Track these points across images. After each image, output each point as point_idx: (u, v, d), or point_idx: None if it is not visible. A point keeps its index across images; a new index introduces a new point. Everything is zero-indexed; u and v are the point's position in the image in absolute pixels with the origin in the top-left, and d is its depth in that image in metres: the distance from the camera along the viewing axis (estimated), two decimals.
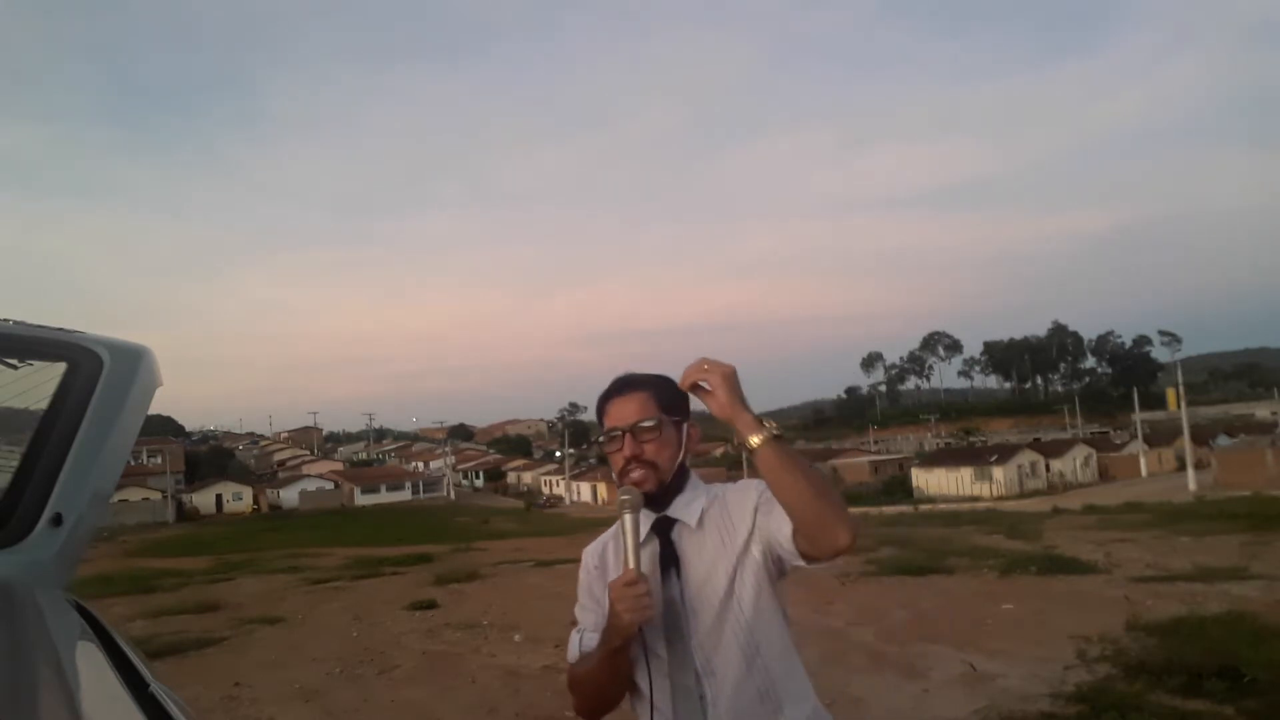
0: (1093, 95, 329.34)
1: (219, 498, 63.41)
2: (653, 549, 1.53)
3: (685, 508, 1.54)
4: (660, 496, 1.53)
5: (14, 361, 1.57)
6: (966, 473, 50.58)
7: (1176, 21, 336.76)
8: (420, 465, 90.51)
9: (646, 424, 1.51)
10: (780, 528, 1.41)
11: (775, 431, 1.36)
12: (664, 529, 1.54)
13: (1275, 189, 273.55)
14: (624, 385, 1.57)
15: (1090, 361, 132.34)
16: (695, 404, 1.55)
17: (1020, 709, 4.86)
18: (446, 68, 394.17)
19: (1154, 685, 5.04)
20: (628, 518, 1.46)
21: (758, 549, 1.48)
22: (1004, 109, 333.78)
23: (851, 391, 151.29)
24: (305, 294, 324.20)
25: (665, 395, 1.54)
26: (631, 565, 1.43)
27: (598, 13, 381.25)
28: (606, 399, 1.59)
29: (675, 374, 1.53)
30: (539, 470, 79.57)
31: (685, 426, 1.57)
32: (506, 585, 12.20)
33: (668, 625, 1.48)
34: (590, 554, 1.68)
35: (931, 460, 58.06)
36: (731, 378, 1.41)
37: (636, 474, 1.50)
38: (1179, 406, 41.80)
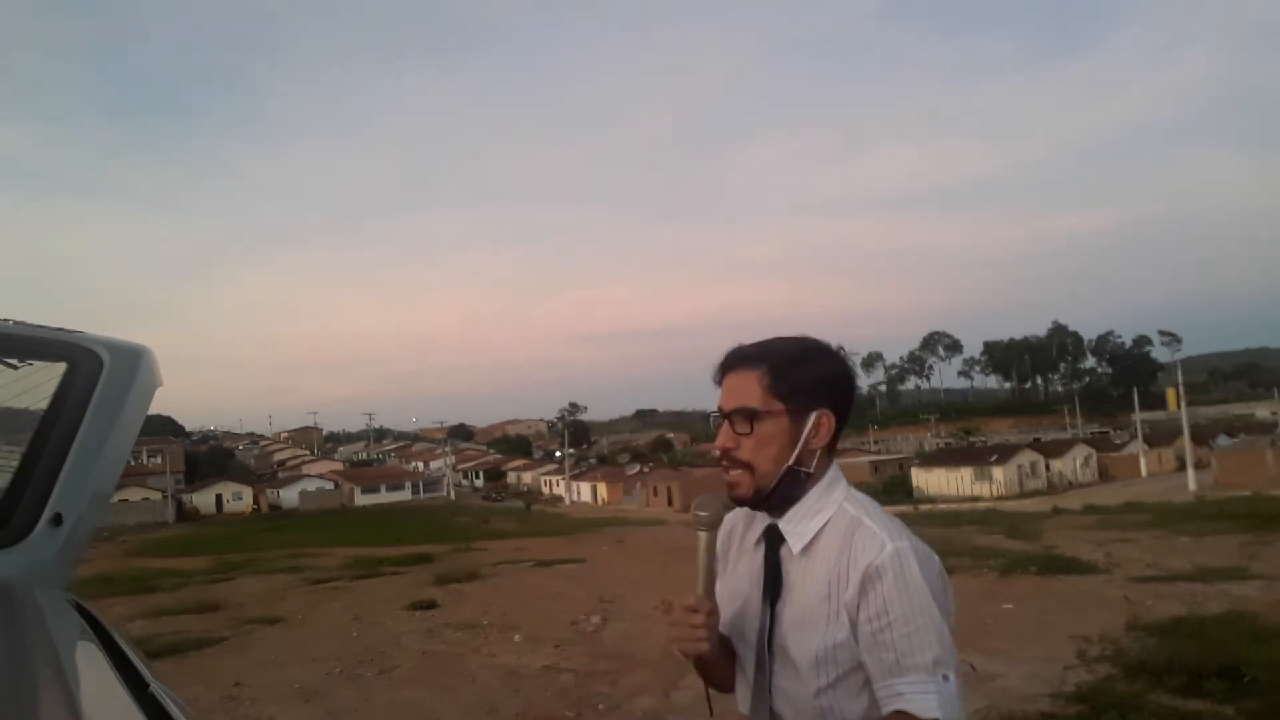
0: (1093, 95, 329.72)
1: (219, 498, 63.42)
2: (759, 558, 1.27)
3: (797, 523, 1.23)
4: (767, 501, 1.23)
5: (14, 361, 1.57)
6: (966, 473, 50.56)
7: (1176, 21, 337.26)
8: (420, 465, 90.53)
9: (743, 412, 1.20)
10: (878, 686, 1.13)
11: None
12: (774, 539, 1.26)
13: (1275, 189, 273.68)
14: (735, 359, 1.25)
15: (1090, 361, 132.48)
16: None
17: (1020, 709, 4.86)
18: (447, 68, 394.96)
19: (1154, 685, 5.04)
20: (702, 537, 1.23)
21: (854, 650, 1.17)
22: (1004, 109, 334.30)
23: None
24: (305, 294, 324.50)
25: (783, 375, 1.20)
26: (700, 590, 1.22)
27: (598, 13, 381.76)
28: (721, 372, 1.27)
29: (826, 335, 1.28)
30: (539, 470, 79.58)
31: (813, 416, 1.21)
32: (506, 585, 12.19)
33: (758, 647, 1.25)
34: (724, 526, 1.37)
35: (931, 460, 58.09)
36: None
37: (731, 473, 1.23)
38: (1179, 406, 41.81)
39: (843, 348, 1.30)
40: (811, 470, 1.22)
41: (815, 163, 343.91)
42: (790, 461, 1.20)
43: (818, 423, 1.21)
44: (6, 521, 1.41)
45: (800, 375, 1.21)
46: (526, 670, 6.57)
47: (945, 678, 1.09)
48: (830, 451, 1.25)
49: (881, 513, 1.23)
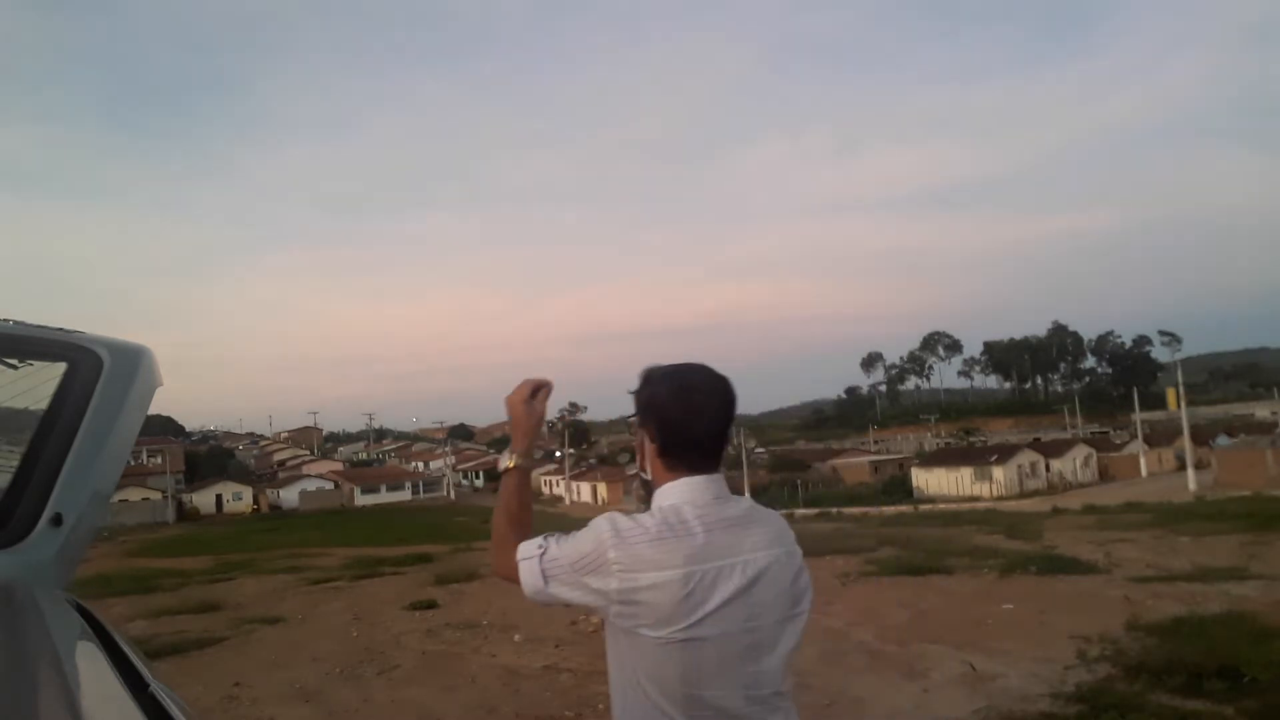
0: (1092, 95, 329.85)
1: (219, 498, 63.42)
2: None
3: None
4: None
5: (14, 361, 1.57)
6: (966, 473, 50.52)
7: (1176, 21, 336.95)
8: (420, 465, 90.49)
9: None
10: None
11: (508, 464, 1.60)
12: None
13: (1275, 189, 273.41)
14: None
15: (1090, 361, 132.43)
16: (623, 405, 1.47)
17: (1020, 709, 4.86)
18: (446, 69, 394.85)
19: (1154, 685, 5.04)
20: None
21: None
22: (1004, 109, 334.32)
23: (851, 391, 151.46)
24: (305, 294, 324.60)
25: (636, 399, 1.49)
26: None
27: (596, 14, 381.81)
28: None
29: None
30: (539, 470, 79.50)
31: (641, 434, 1.48)
32: (506, 585, 12.17)
33: None
34: None
35: (931, 460, 57.97)
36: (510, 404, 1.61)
37: None
38: (1179, 406, 41.79)
39: (682, 377, 1.45)
40: (649, 478, 1.46)
41: (815, 163, 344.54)
42: (639, 467, 1.50)
43: (639, 440, 1.48)
44: (6, 521, 1.41)
45: (636, 401, 1.48)
46: (526, 670, 6.57)
47: (542, 546, 1.39)
48: (668, 467, 1.42)
49: (654, 515, 1.37)
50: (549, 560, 1.37)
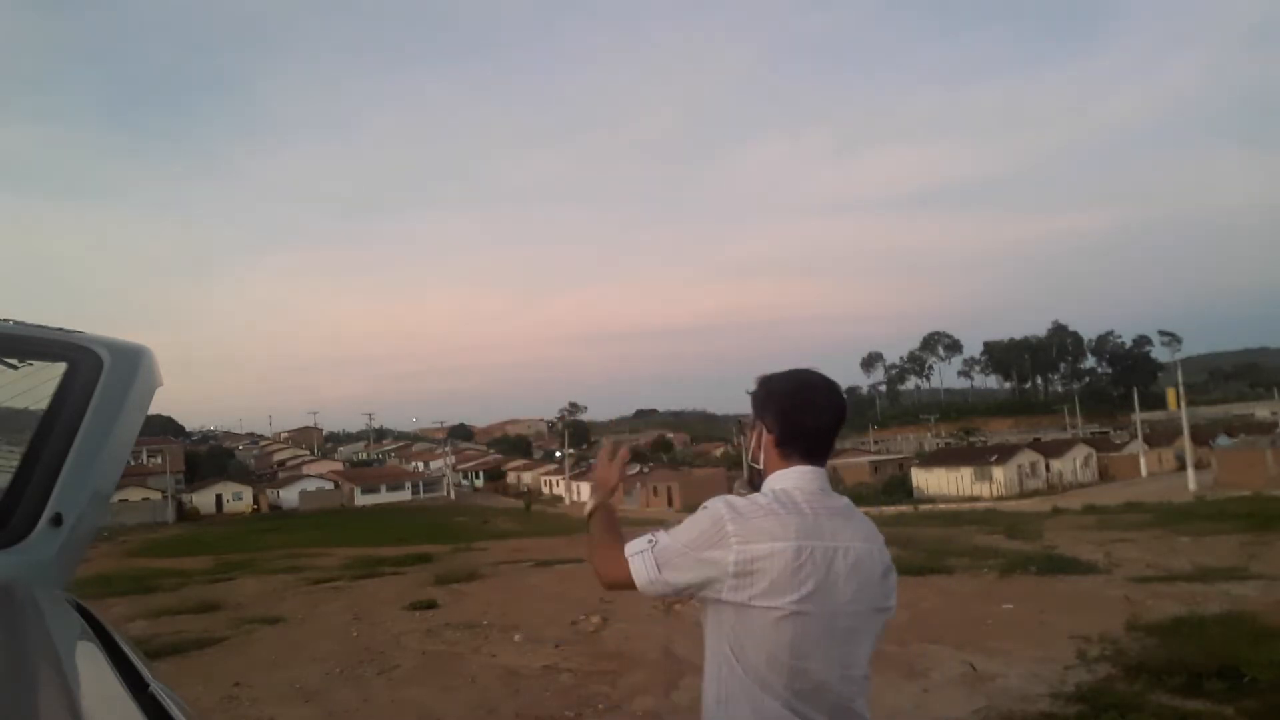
0: (1092, 95, 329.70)
1: (219, 498, 63.36)
2: None
3: None
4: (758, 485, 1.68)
5: (14, 361, 1.57)
6: (966, 473, 50.52)
7: (1176, 21, 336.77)
8: (420, 465, 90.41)
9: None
10: None
11: (592, 506, 1.75)
12: None
13: (1275, 189, 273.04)
14: None
15: (1090, 361, 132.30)
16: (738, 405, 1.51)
17: (1020, 709, 4.86)
18: (446, 69, 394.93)
19: (1154, 685, 5.04)
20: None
21: None
22: (1004, 109, 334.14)
23: (851, 391, 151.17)
24: (305, 294, 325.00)
25: (753, 398, 1.67)
26: None
27: (596, 14, 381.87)
28: None
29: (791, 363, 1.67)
30: (539, 470, 79.51)
31: (759, 426, 1.62)
32: (506, 585, 12.18)
33: None
34: None
35: (931, 460, 57.98)
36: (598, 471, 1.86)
37: None
38: (1179, 406, 41.80)
39: (802, 377, 1.62)
40: (761, 467, 1.62)
41: (815, 163, 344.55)
42: (749, 459, 1.69)
43: (757, 432, 1.63)
44: (6, 521, 1.41)
45: (754, 398, 1.66)
46: (526, 670, 6.56)
47: (651, 540, 1.51)
48: (783, 456, 1.57)
49: (766, 495, 1.51)
50: (661, 549, 1.48)
